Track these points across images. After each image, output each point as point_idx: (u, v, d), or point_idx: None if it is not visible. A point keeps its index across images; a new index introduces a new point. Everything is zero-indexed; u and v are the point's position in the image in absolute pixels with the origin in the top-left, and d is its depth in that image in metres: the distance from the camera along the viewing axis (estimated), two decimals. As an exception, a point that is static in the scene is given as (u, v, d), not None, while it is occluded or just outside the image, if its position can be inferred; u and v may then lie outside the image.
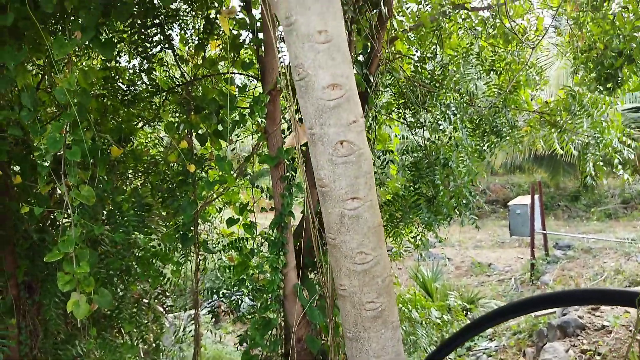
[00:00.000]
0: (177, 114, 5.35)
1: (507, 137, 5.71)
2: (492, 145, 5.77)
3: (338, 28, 1.93)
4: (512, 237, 16.38)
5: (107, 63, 4.73)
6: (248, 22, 4.28)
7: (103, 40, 3.76)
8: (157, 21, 4.61)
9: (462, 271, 15.97)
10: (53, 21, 4.08)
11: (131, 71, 5.43)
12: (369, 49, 4.64)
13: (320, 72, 1.91)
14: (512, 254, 16.81)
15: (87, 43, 3.65)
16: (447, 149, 5.16)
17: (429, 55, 6.20)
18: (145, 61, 5.09)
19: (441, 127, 5.07)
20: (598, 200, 22.15)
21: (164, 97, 5.12)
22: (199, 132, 4.54)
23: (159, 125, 6.02)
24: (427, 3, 5.78)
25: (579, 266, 13.56)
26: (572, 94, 5.46)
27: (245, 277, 4.44)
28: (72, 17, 3.74)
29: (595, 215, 21.16)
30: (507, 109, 5.62)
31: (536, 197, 14.54)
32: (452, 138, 5.18)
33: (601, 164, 5.61)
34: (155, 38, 4.74)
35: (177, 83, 5.30)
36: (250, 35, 4.58)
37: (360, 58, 4.78)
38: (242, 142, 6.49)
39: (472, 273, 15.65)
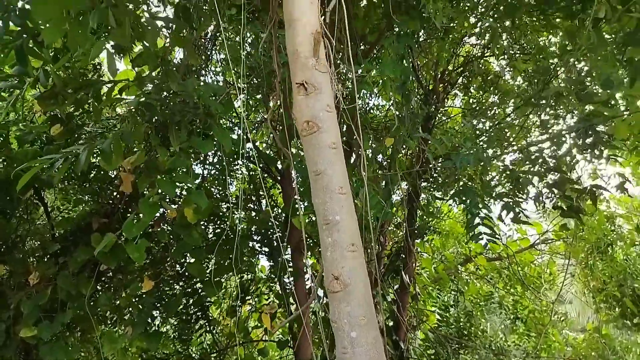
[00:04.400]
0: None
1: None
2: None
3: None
4: None
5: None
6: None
7: (151, 331, 4.07)
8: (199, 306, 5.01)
9: None
10: (108, 312, 4.49)
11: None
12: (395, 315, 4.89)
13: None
14: None
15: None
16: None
17: (451, 302, 6.41)
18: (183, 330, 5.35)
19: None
20: None
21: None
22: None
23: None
24: (441, 257, 6.26)
25: None
26: (604, 342, 5.42)
27: None
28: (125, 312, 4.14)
29: None
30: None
31: None
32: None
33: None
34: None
35: (210, 351, 5.44)
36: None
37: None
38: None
39: None
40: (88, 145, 3.04)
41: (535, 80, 4.96)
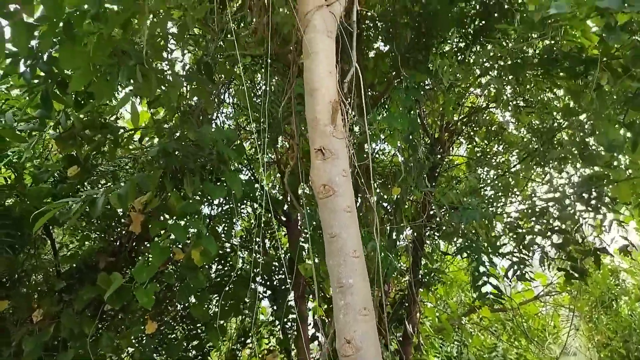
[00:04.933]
0: None
1: None
2: None
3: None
4: None
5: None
6: None
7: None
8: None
9: None
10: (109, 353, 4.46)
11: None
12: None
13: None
14: None
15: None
16: None
17: (455, 354, 6.32)
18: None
19: None
20: None
21: None
22: None
23: None
24: (445, 307, 6.22)
25: None
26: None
27: None
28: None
29: None
30: None
31: None
32: None
33: None
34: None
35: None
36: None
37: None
38: None
39: None
40: (105, 190, 3.13)
41: (539, 135, 5.08)
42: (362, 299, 1.85)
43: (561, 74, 4.19)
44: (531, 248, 3.79)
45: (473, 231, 4.02)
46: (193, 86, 3.49)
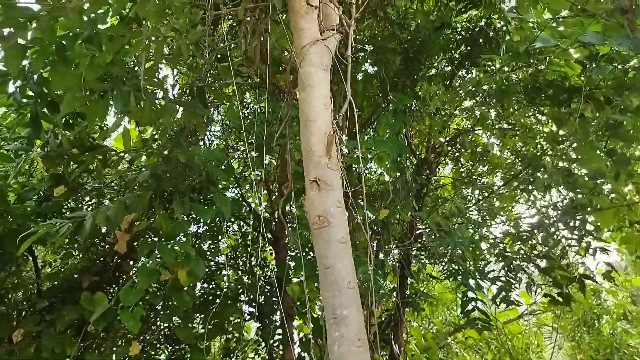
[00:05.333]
0: None
1: None
2: None
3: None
4: None
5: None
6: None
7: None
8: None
9: None
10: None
11: None
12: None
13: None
14: None
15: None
16: None
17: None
18: None
19: None
20: None
21: None
22: None
23: None
24: (431, 326, 6.25)
25: None
26: None
27: None
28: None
29: None
30: None
31: None
32: None
33: None
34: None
35: None
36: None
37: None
38: None
39: None
40: (93, 213, 3.11)
41: (523, 158, 5.21)
42: (356, 330, 1.87)
43: (545, 101, 4.32)
44: (517, 274, 3.86)
45: (460, 254, 4.08)
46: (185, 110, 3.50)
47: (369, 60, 5.91)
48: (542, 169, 4.16)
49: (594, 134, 3.69)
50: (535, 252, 3.84)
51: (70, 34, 3.20)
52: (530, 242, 3.95)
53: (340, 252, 1.96)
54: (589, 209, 3.54)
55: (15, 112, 3.53)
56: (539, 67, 3.81)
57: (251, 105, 6.09)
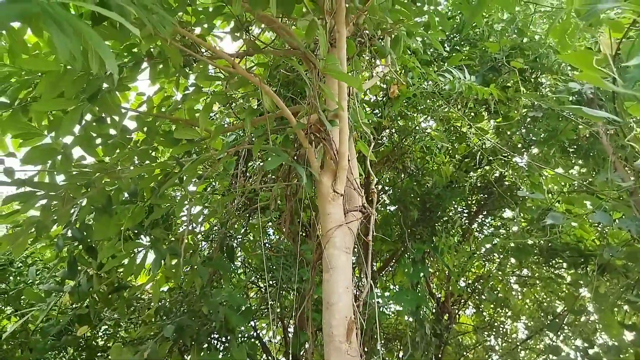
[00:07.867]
0: None
1: None
2: None
3: None
4: None
5: None
6: None
7: None
8: None
9: None
10: None
11: None
12: None
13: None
14: None
15: None
16: None
17: None
18: None
19: None
20: None
21: None
22: None
23: None
24: None
25: None
26: None
27: None
28: None
29: None
30: None
31: None
32: None
33: None
34: None
35: None
36: None
37: None
38: None
39: None
40: (114, 364, 3.14)
41: (545, 314, 5.12)
42: None
43: (561, 263, 4.40)
44: None
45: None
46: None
47: (387, 201, 6.19)
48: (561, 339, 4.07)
49: (611, 306, 3.70)
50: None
51: (117, 187, 3.56)
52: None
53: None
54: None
55: (55, 255, 3.77)
56: (554, 233, 3.96)
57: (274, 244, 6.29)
